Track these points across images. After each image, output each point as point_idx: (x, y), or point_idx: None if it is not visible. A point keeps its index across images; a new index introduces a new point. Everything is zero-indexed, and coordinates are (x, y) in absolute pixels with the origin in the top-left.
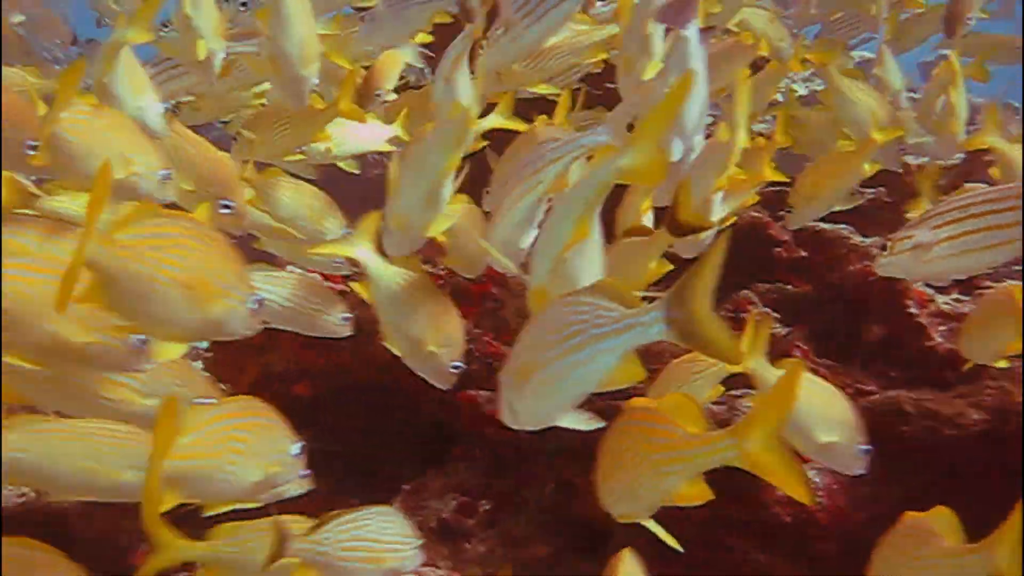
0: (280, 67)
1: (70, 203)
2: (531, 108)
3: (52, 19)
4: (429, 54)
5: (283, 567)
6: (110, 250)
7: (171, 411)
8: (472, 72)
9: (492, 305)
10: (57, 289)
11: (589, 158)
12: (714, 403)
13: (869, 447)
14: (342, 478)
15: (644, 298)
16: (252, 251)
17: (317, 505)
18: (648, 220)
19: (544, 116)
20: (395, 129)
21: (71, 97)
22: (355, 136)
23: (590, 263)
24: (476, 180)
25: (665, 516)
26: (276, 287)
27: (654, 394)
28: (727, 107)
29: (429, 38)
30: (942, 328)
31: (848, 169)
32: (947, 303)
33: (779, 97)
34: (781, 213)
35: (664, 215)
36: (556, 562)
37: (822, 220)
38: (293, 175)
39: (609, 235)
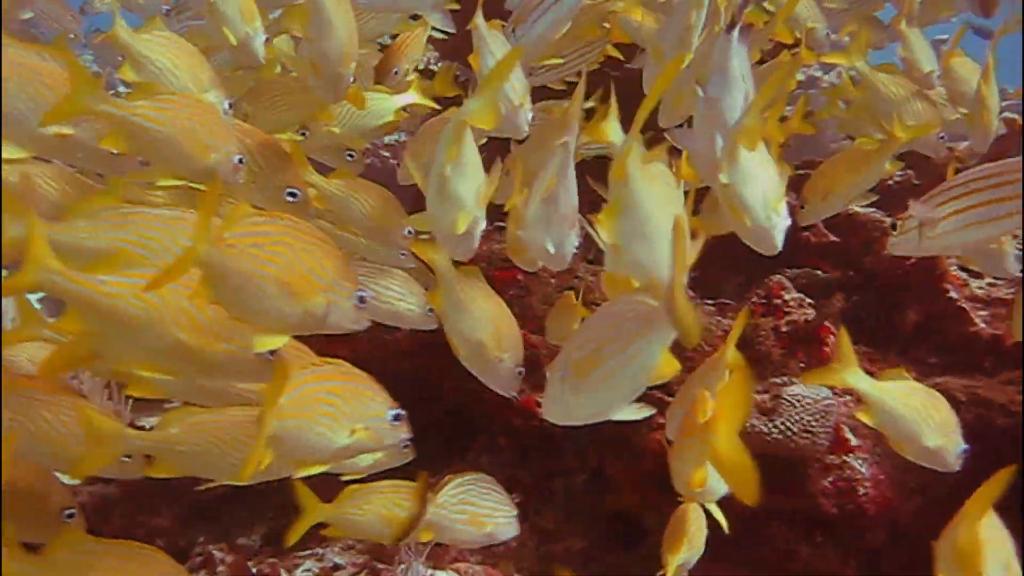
0: (320, 68)
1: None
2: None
3: (61, 11)
4: (443, 36)
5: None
6: (218, 249)
7: (283, 371)
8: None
9: (517, 292)
10: (156, 274)
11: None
12: (756, 392)
13: (967, 447)
14: None
15: None
16: None
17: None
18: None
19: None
20: (414, 95)
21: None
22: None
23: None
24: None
25: None
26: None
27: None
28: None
29: (456, 5)
30: (982, 313)
31: (868, 166)
32: (980, 287)
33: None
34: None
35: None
36: (590, 558)
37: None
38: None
39: None
